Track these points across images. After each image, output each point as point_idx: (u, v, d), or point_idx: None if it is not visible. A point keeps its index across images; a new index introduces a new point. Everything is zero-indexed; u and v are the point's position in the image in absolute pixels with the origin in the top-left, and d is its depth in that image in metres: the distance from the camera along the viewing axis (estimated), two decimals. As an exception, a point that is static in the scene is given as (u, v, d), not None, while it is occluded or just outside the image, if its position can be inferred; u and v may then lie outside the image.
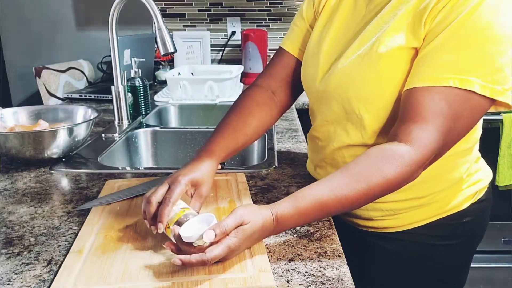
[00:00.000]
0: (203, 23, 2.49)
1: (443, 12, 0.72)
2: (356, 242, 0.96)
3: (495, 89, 0.70)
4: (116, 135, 1.37)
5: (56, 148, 1.13)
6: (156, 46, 2.18)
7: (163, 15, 2.26)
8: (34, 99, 2.44)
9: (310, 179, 1.02)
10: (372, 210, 0.90)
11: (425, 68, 0.73)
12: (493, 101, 0.72)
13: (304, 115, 1.66)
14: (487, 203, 0.95)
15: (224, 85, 1.80)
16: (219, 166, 0.92)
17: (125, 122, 1.45)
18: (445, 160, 0.81)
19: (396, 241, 0.92)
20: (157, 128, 1.51)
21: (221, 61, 2.49)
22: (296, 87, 1.01)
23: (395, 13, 0.78)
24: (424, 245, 0.91)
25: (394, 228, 0.91)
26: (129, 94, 1.53)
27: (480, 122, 0.88)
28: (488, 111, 0.76)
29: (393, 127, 0.76)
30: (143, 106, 1.60)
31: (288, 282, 0.65)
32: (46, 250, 0.75)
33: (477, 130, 0.89)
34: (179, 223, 0.71)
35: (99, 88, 2.19)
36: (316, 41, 0.93)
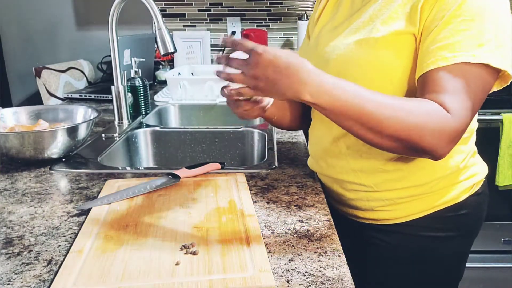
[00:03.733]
0: (203, 23, 2.49)
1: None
2: (355, 235, 0.97)
3: (504, 62, 0.75)
4: (116, 135, 1.37)
5: (56, 148, 1.13)
6: (156, 46, 2.18)
7: (163, 15, 2.26)
8: (34, 99, 2.44)
9: (310, 179, 1.02)
10: (373, 200, 0.92)
11: (436, 51, 0.75)
12: (496, 78, 0.77)
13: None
14: (484, 196, 0.97)
15: (224, 85, 1.80)
16: (219, 166, 0.92)
17: (125, 122, 1.45)
18: None
19: (394, 234, 0.93)
20: (157, 128, 1.51)
21: (221, 61, 2.48)
22: None
23: (391, 5, 0.82)
24: (422, 237, 0.92)
25: (393, 220, 0.92)
26: (129, 94, 1.53)
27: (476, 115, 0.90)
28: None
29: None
30: (143, 106, 1.60)
31: (288, 282, 0.65)
32: (46, 250, 0.75)
33: (473, 121, 0.90)
34: None
35: (99, 88, 2.19)
36: (316, 36, 0.97)
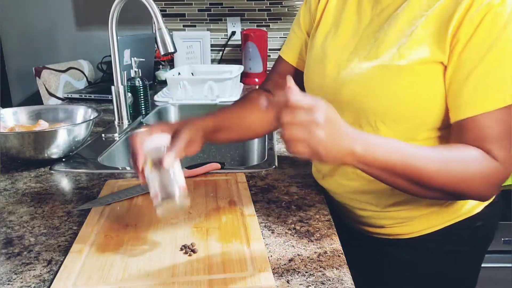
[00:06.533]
0: (203, 23, 2.49)
1: (477, 30, 0.69)
2: (367, 248, 0.95)
3: None
4: (116, 135, 1.37)
5: (56, 148, 1.13)
6: (156, 46, 2.18)
7: (163, 15, 2.25)
8: (34, 99, 2.44)
9: (310, 180, 1.02)
10: (384, 219, 0.89)
11: (475, 93, 0.70)
12: None
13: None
14: (498, 205, 0.94)
15: (224, 85, 1.80)
16: (219, 166, 0.89)
17: (125, 122, 1.45)
18: None
19: (407, 248, 0.90)
20: (157, 128, 1.51)
21: (221, 61, 2.48)
22: None
23: (414, 22, 0.74)
24: (436, 251, 0.90)
25: (406, 235, 0.89)
26: (129, 94, 1.53)
27: None
28: None
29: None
30: (143, 106, 1.60)
31: (288, 282, 0.65)
32: (46, 250, 0.75)
33: None
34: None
35: (99, 88, 2.19)
36: (320, 47, 0.89)
